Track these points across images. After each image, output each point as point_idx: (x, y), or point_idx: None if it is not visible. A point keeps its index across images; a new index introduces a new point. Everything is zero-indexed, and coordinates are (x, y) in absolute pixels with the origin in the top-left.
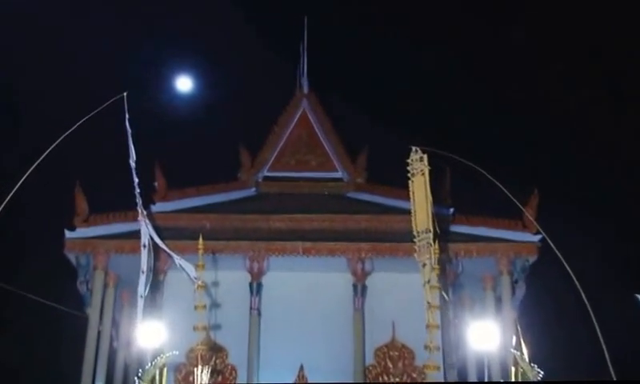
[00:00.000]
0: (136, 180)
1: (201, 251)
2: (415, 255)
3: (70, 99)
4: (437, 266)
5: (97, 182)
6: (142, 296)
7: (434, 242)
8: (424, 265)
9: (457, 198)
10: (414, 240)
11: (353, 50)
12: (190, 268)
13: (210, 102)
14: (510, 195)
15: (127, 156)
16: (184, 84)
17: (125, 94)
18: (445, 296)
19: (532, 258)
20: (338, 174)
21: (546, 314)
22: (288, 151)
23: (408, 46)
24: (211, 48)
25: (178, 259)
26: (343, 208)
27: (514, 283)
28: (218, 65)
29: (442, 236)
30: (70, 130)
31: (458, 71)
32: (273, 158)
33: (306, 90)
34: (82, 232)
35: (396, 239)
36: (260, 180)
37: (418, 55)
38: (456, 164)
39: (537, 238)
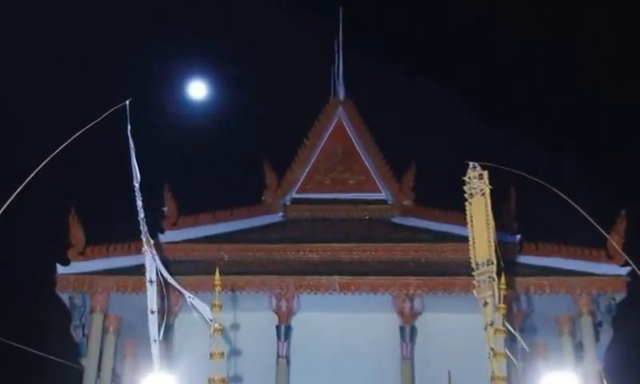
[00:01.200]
0: (141, 204)
1: (218, 288)
2: (475, 292)
3: (65, 110)
4: (502, 305)
5: (95, 208)
6: (155, 340)
7: (498, 275)
8: (485, 303)
9: (524, 222)
10: (473, 274)
11: (396, 49)
12: (204, 308)
13: (229, 111)
14: (590, 219)
15: (130, 176)
16: (197, 91)
17: (127, 102)
18: (519, 340)
19: (619, 296)
20: (381, 195)
21: (638, 364)
22: (321, 169)
23: (463, 40)
24: (228, 48)
25: (190, 298)
26: (387, 235)
27: (597, 326)
28: (236, 67)
29: (508, 268)
30: (62, 146)
31: (523, 70)
32: (303, 177)
33: (341, 96)
34: (76, 266)
35: (451, 272)
36: (288, 203)
37: (474, 51)
38: (523, 182)
39: (624, 270)
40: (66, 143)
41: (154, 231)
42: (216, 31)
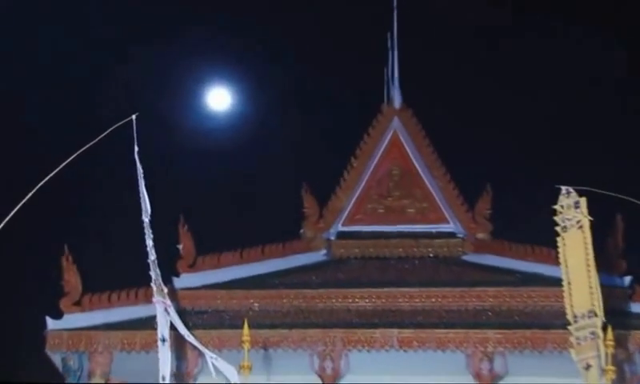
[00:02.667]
0: (151, 242)
1: (247, 345)
2: (572, 351)
3: (59, 124)
4: (610, 368)
5: (94, 247)
6: None
7: (604, 330)
8: (587, 366)
9: (635, 261)
10: (570, 327)
11: (463, 44)
12: (230, 371)
13: (258, 125)
14: None
15: (138, 208)
16: (219, 101)
17: (133, 117)
18: None
19: None
20: (449, 227)
21: None
22: (373, 195)
23: (543, 38)
24: (255, 48)
25: (213, 358)
26: (458, 277)
27: None
28: (266, 71)
29: (616, 320)
30: (55, 171)
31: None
32: (351, 206)
33: (397, 103)
34: (72, 320)
35: (541, 325)
36: (332, 238)
37: (559, 47)
38: (632, 211)
39: None
40: (58, 169)
41: (168, 275)
42: (242, 28)
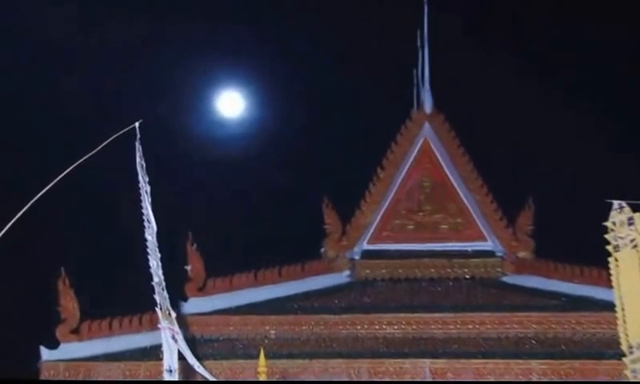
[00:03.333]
0: (155, 263)
1: (262, 376)
2: None
3: (58, 132)
4: None
5: (93, 269)
6: None
7: None
8: None
9: None
10: (624, 359)
11: (500, 46)
12: None
13: (273, 133)
14: None
15: (141, 225)
16: (232, 106)
17: (136, 125)
18: None
19: None
20: (487, 245)
21: None
22: (401, 209)
23: (591, 40)
24: (269, 50)
25: None
26: (497, 301)
27: None
28: (281, 74)
29: None
30: (50, 184)
31: None
32: (377, 222)
33: (428, 107)
34: (69, 350)
35: (590, 354)
36: (357, 258)
37: (607, 50)
38: None
39: None
40: (53, 183)
41: (175, 299)
42: (259, 27)
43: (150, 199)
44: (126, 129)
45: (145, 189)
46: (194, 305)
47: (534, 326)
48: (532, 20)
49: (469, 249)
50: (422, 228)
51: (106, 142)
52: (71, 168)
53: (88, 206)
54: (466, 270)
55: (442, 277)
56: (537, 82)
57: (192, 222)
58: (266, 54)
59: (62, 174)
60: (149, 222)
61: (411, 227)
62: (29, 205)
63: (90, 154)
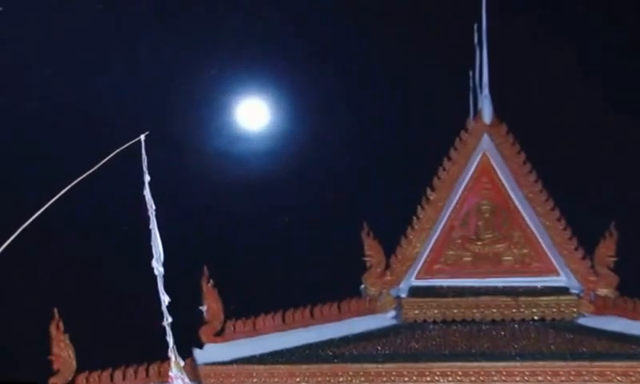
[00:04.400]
0: (165, 301)
1: None
2: None
3: (53, 147)
4: None
5: (91, 309)
6: None
7: None
8: None
9: None
10: None
11: (573, 46)
12: None
13: (302, 147)
14: None
15: (148, 255)
16: (255, 119)
17: (142, 137)
18: None
19: None
20: (560, 281)
21: None
22: (456, 237)
23: None
24: (302, 46)
25: None
26: (573, 348)
27: None
28: (315, 75)
29: None
30: (42, 208)
31: None
32: (427, 253)
33: (487, 117)
34: None
35: None
36: (404, 296)
37: None
38: None
39: None
40: (46, 206)
41: (188, 346)
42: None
43: (157, 225)
44: (130, 143)
45: (152, 212)
46: (211, 352)
47: (619, 378)
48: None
49: (538, 285)
50: (482, 260)
51: (107, 159)
52: (66, 189)
53: (88, 234)
54: (534, 311)
55: (505, 318)
56: (621, 84)
57: (208, 253)
58: (297, 55)
59: (56, 197)
60: (157, 252)
61: (468, 259)
62: (18, 231)
63: (87, 173)
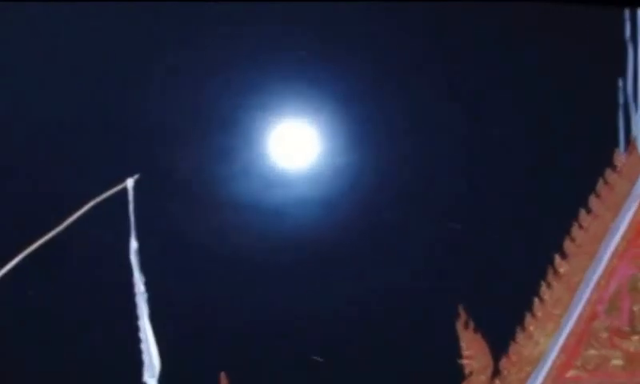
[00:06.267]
0: None
1: None
2: None
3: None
4: None
5: None
6: None
7: None
8: None
9: None
10: None
11: None
12: None
13: (369, 188)
14: None
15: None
16: (296, 150)
17: (129, 183)
18: None
19: None
20: None
21: None
22: (600, 330)
23: None
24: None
25: None
26: None
27: None
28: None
29: None
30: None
31: None
32: (557, 352)
33: None
34: None
35: None
36: None
37: None
38: None
39: None
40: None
41: None
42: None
43: (147, 310)
44: (114, 189)
45: (141, 294)
46: None
47: None
48: None
49: None
50: (638, 364)
51: (89, 207)
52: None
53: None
54: None
55: None
56: None
57: (225, 344)
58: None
59: (29, 250)
60: (149, 359)
61: (618, 362)
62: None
63: (67, 223)
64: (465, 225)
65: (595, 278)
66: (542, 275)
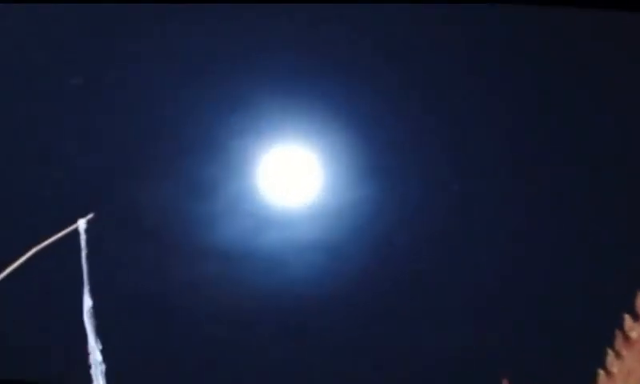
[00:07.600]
0: None
1: None
2: None
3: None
4: None
5: None
6: None
7: None
8: None
9: None
10: None
11: None
12: None
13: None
14: None
15: None
16: (300, 186)
17: (82, 223)
18: None
19: None
20: None
21: None
22: None
23: None
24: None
25: None
26: None
27: None
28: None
29: None
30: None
31: None
32: None
33: None
34: None
35: None
36: None
37: None
38: None
39: None
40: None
41: None
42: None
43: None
44: (62, 233)
45: (97, 365)
46: None
47: None
48: None
49: None
50: None
51: (42, 246)
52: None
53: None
54: None
55: None
56: None
57: None
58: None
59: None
60: None
61: None
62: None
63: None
64: (511, 278)
65: None
66: (607, 340)
